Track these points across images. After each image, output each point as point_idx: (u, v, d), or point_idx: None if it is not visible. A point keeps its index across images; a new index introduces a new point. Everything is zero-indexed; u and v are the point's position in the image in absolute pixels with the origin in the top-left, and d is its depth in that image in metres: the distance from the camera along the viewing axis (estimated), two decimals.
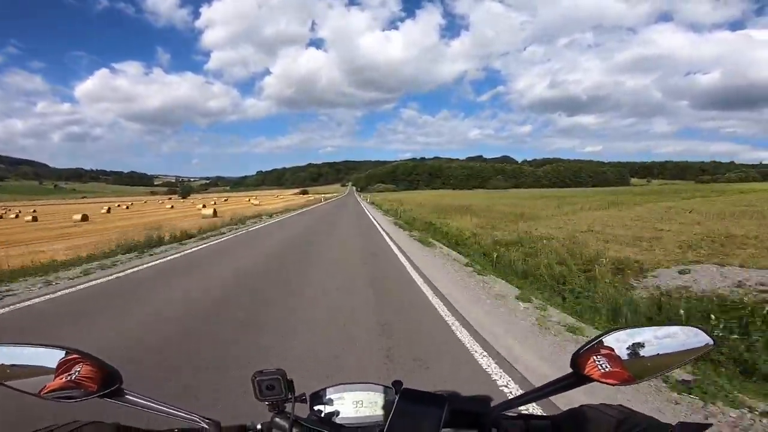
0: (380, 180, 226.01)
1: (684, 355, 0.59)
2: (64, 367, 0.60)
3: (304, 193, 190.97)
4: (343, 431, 0.66)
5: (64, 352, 0.61)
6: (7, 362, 0.59)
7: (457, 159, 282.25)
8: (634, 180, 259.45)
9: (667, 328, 0.61)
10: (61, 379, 0.59)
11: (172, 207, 65.82)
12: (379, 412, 0.68)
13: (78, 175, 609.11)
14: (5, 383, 0.58)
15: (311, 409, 0.69)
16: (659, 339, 0.59)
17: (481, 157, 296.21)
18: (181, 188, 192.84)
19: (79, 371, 0.60)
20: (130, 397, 0.62)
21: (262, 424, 0.66)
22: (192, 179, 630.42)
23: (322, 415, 0.68)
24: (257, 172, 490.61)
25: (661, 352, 0.58)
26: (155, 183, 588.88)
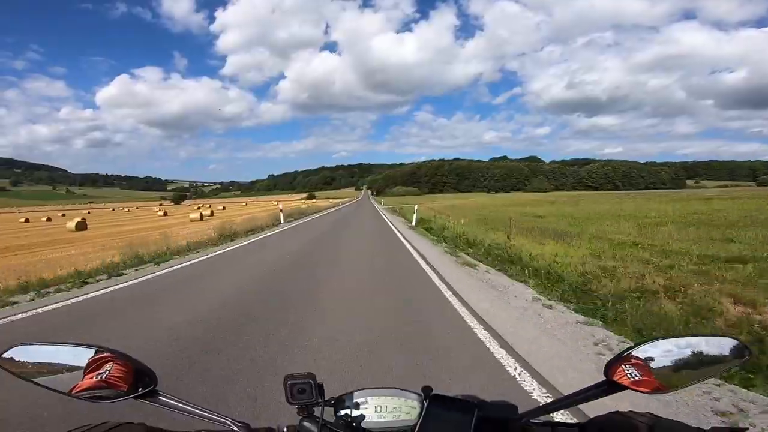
0: (399, 182, 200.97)
1: (719, 365, 0.58)
2: (95, 365, 0.59)
3: (311, 198, 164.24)
4: None
5: (94, 350, 0.60)
6: (38, 360, 0.59)
7: (480, 160, 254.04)
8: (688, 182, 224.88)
9: (702, 338, 0.60)
10: (92, 378, 0.58)
11: (165, 214, 59.75)
12: (403, 417, 0.67)
13: (93, 180, 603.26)
14: (36, 381, 0.58)
15: (336, 413, 0.68)
16: (693, 348, 0.58)
17: (505, 157, 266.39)
18: (174, 195, 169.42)
19: (110, 370, 0.59)
20: (164, 399, 0.62)
21: (288, 427, 0.66)
22: (206, 184, 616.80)
23: (348, 419, 0.67)
24: (269, 176, 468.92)
25: (694, 362, 0.58)
26: (168, 188, 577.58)
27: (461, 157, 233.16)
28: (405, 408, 0.68)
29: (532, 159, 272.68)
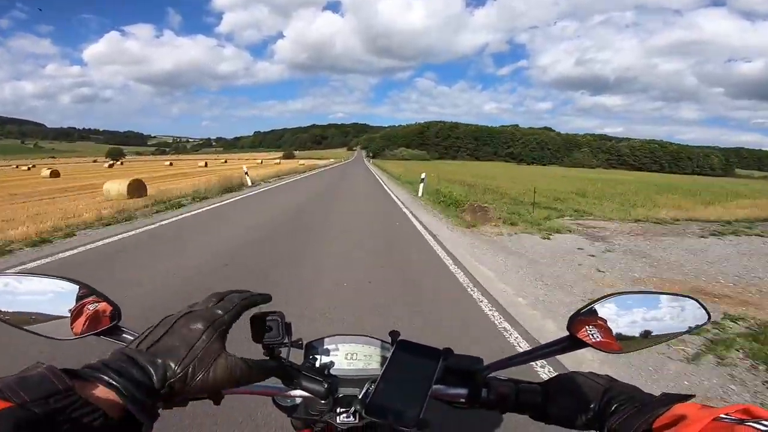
0: (402, 143, 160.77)
1: (678, 326, 0.58)
2: (78, 303, 0.56)
3: (289, 157, 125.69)
4: (337, 380, 0.65)
5: (72, 285, 0.57)
6: (18, 293, 0.55)
7: (504, 126, 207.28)
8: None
9: (662, 295, 0.60)
10: (82, 318, 0.56)
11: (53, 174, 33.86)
12: (374, 365, 0.67)
13: (67, 134, 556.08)
14: (7, 321, 0.54)
15: (306, 357, 0.68)
16: (653, 309, 0.59)
17: (517, 126, 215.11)
18: (110, 151, 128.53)
19: (90, 308, 0.56)
20: (127, 336, 0.60)
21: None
22: (191, 140, 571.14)
23: (317, 364, 0.67)
24: (255, 132, 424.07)
25: (653, 324, 0.58)
26: (148, 143, 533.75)
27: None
28: (375, 356, 0.68)
29: (549, 130, 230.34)
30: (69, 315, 0.55)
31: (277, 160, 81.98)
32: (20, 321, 0.54)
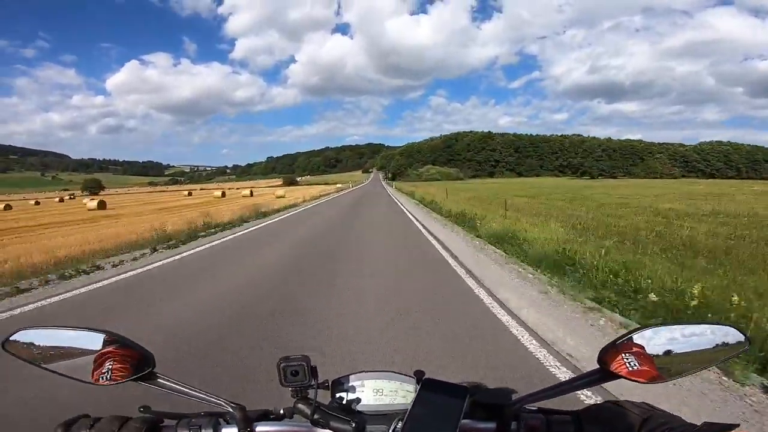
0: (427, 160, 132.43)
1: (716, 354, 0.57)
2: (101, 351, 0.60)
3: (292, 183, 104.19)
4: (364, 418, 0.64)
5: (102, 335, 0.60)
6: (44, 345, 0.60)
7: (542, 135, 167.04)
8: None
9: (698, 326, 0.58)
10: (100, 361, 0.59)
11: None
12: (399, 400, 0.67)
13: (86, 165, 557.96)
14: (43, 366, 0.59)
15: (332, 396, 0.68)
16: (690, 337, 0.57)
17: (578, 135, 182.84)
18: (85, 183, 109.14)
19: (114, 355, 0.60)
20: (162, 381, 0.63)
21: (284, 409, 0.66)
22: (208, 168, 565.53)
23: (344, 402, 0.67)
24: (267, 158, 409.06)
25: (692, 351, 0.56)
26: (166, 173, 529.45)
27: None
28: (401, 392, 0.68)
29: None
30: (93, 363, 0.59)
31: (283, 186, 63.26)
32: (52, 365, 0.58)
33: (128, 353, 0.61)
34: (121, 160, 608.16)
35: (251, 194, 49.52)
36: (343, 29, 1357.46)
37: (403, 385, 0.68)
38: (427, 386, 0.62)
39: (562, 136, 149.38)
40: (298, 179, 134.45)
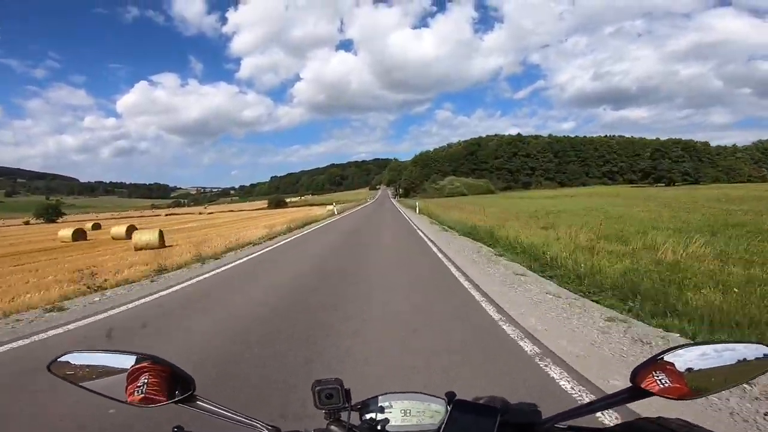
0: (446, 169, 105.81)
1: (748, 371, 0.57)
2: (139, 372, 0.62)
3: (279, 205, 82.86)
4: None
5: (135, 357, 0.62)
6: (86, 366, 0.62)
7: (580, 136, 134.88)
8: None
9: (728, 344, 0.58)
10: (136, 385, 0.61)
11: None
12: (427, 421, 0.67)
13: (92, 189, 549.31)
14: (85, 386, 0.61)
15: (361, 417, 0.69)
16: (721, 353, 0.57)
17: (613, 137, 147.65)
18: (45, 210, 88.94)
19: (153, 377, 0.62)
20: (201, 403, 0.64)
21: (316, 431, 0.67)
22: (214, 189, 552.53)
23: (374, 423, 0.68)
24: (271, 178, 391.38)
25: (722, 367, 0.56)
26: (172, 195, 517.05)
27: None
28: (429, 412, 0.68)
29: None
30: (131, 384, 0.61)
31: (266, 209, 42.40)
32: (93, 386, 0.61)
33: (168, 376, 0.62)
34: (128, 182, 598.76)
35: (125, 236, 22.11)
36: (346, 46, 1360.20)
37: (431, 405, 0.68)
38: (459, 407, 0.62)
39: (607, 136, 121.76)
40: (289, 200, 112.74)
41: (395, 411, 0.68)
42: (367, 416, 0.68)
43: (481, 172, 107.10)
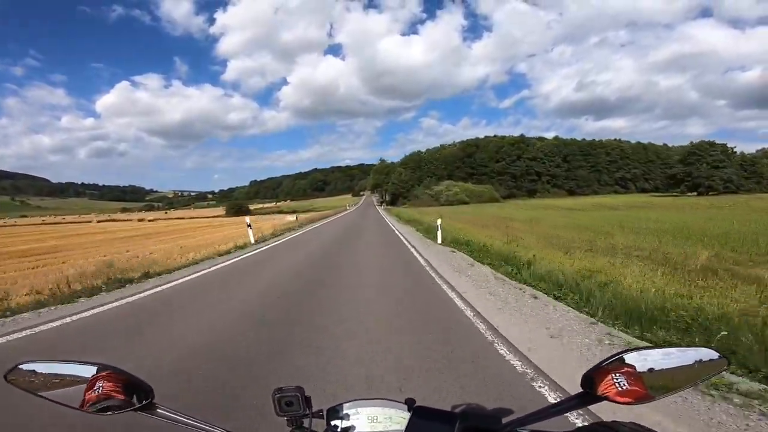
0: (441, 173, 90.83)
1: (700, 373, 0.59)
2: (96, 381, 0.62)
3: (240, 213, 68.24)
4: None
5: (96, 368, 0.62)
6: (43, 376, 0.62)
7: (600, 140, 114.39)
8: None
9: (681, 348, 0.61)
10: (93, 393, 0.61)
11: None
12: (394, 427, 0.67)
13: (62, 190, 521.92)
14: (43, 395, 0.61)
15: (328, 424, 0.68)
16: (674, 358, 0.59)
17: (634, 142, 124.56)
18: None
19: (111, 386, 0.62)
20: (161, 411, 0.63)
21: None
22: (192, 193, 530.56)
23: (339, 430, 0.67)
24: (251, 182, 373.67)
25: (676, 371, 0.58)
26: (147, 198, 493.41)
27: None
28: (396, 418, 0.68)
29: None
30: (88, 393, 0.61)
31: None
32: (49, 395, 0.61)
33: (125, 384, 0.62)
34: (101, 184, 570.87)
35: None
36: (335, 51, 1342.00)
37: (398, 412, 0.68)
38: (419, 413, 0.62)
39: (617, 140, 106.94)
40: (259, 206, 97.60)
41: (362, 417, 0.68)
42: (333, 422, 0.67)
43: (480, 177, 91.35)
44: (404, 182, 77.60)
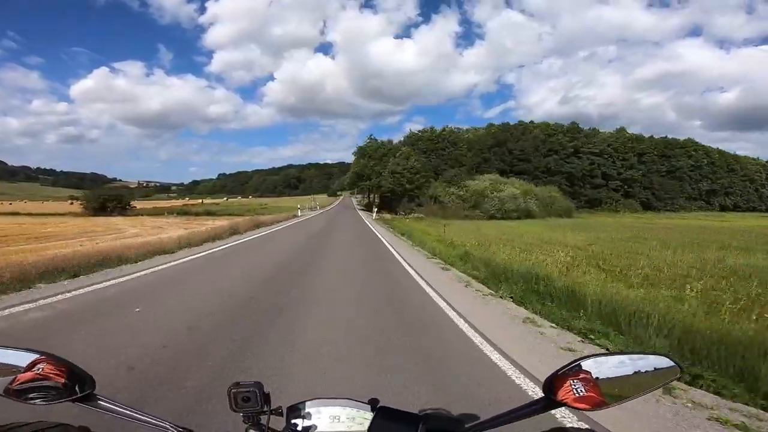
0: (452, 162, 50.99)
1: (655, 380, 0.60)
2: (33, 368, 0.58)
3: (108, 209, 39.25)
4: None
5: (35, 355, 0.59)
6: None
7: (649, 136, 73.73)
8: None
9: (638, 355, 0.61)
10: (29, 379, 0.58)
11: None
12: (356, 428, 0.65)
13: (12, 173, 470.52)
14: None
15: (287, 422, 0.66)
16: (630, 365, 0.59)
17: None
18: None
19: (48, 374, 0.58)
20: (103, 403, 0.61)
21: None
22: (158, 184, 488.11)
23: (299, 428, 0.65)
24: (219, 175, 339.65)
25: (632, 378, 0.58)
26: (106, 187, 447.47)
27: None
28: (359, 418, 0.66)
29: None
30: (26, 382, 0.58)
31: None
32: None
33: (66, 374, 0.59)
34: (58, 170, 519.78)
35: None
36: (326, 49, 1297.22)
37: (361, 412, 0.66)
38: (382, 414, 0.61)
39: (691, 139, 74.34)
40: (193, 202, 67.24)
41: (323, 416, 0.66)
42: (293, 421, 0.65)
43: (517, 176, 53.49)
44: (413, 174, 45.31)
